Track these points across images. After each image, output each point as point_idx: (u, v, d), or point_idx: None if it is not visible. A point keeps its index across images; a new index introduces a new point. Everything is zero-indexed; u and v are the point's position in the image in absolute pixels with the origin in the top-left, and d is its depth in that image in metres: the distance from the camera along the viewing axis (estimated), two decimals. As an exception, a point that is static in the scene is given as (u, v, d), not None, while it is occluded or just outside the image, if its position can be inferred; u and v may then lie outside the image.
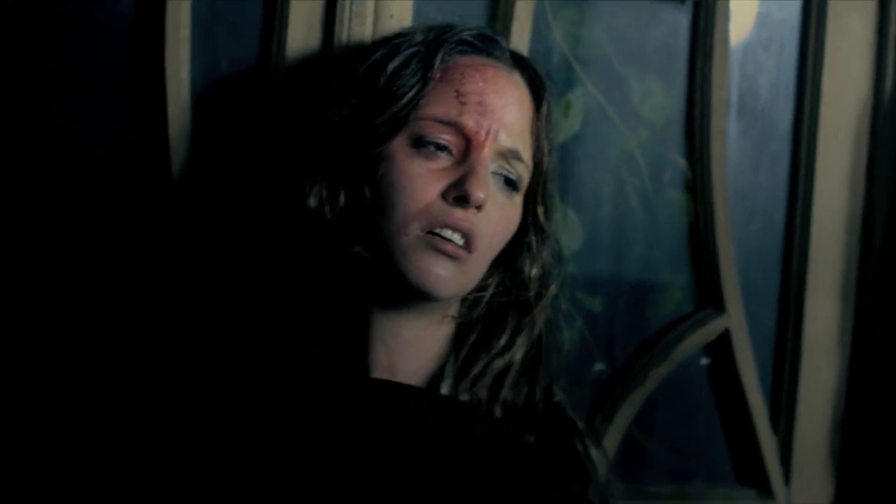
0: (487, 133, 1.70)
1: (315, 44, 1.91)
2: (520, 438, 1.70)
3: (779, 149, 2.32)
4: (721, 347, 2.28)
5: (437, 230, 1.67)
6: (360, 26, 1.91)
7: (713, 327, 2.27)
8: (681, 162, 2.24)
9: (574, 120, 2.16)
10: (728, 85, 2.26)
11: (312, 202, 1.71)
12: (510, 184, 1.74)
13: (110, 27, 1.86)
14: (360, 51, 1.83)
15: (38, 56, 1.83)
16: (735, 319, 2.27)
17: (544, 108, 1.78)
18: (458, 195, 1.67)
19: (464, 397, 1.77)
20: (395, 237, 1.67)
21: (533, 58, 1.92)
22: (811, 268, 2.32)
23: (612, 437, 2.19)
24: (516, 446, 1.53)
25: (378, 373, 1.70)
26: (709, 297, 2.27)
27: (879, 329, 2.41)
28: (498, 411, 1.79)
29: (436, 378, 1.77)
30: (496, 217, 1.72)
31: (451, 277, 1.68)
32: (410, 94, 1.71)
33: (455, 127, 1.70)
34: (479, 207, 1.68)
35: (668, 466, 2.28)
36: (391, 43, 1.77)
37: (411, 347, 1.73)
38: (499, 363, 1.79)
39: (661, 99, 2.23)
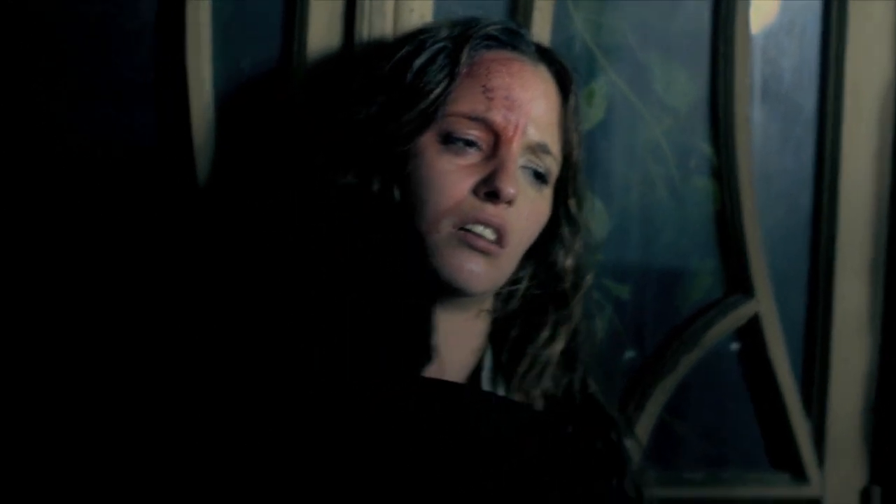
0: (516, 128, 1.70)
1: (336, 40, 1.91)
2: (564, 433, 1.70)
3: (803, 132, 2.32)
4: (751, 332, 2.28)
5: (469, 226, 1.67)
6: (380, 21, 1.90)
7: (743, 312, 2.27)
8: (706, 148, 2.24)
9: (598, 109, 2.16)
10: (751, 70, 2.25)
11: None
12: (539, 177, 1.74)
13: (132, 30, 1.87)
14: (384, 48, 1.83)
15: (61, 61, 1.83)
16: (764, 304, 2.27)
17: (571, 101, 1.78)
18: (489, 191, 1.67)
19: (517, 395, 1.78)
20: (426, 234, 1.67)
21: (554, 47, 1.91)
22: (839, 250, 2.31)
23: (645, 425, 2.19)
24: (561, 442, 1.53)
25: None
26: (737, 282, 2.27)
27: (910, 309, 2.40)
28: (541, 405, 1.80)
29: (475, 371, 1.78)
30: (526, 211, 1.72)
31: (483, 273, 1.69)
32: (438, 90, 1.71)
33: (483, 122, 1.70)
34: (509, 202, 1.68)
35: (701, 452, 2.28)
36: (416, 39, 1.77)
37: (448, 342, 1.72)
38: (544, 356, 1.80)
39: (684, 86, 2.22)
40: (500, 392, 1.80)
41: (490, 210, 1.68)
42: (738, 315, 2.26)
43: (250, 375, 1.52)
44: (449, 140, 1.70)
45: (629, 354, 2.22)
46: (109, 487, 1.70)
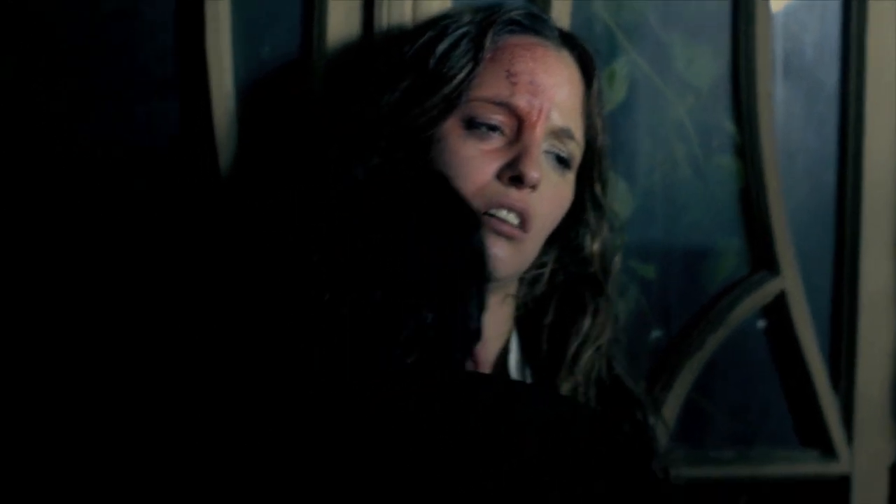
0: (539, 112, 1.70)
1: (356, 28, 1.91)
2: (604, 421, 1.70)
3: (826, 109, 2.30)
4: (777, 309, 2.27)
5: (493, 211, 1.68)
6: (400, 9, 1.90)
7: (768, 289, 2.26)
8: (729, 126, 2.23)
9: (619, 89, 2.15)
10: (773, 46, 2.24)
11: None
12: (562, 162, 1.74)
13: (152, 23, 1.88)
14: (405, 34, 1.84)
15: (83, 54, 1.84)
16: (790, 280, 2.26)
17: (595, 86, 1.79)
18: (513, 175, 1.68)
19: (566, 385, 1.79)
20: None
21: (575, 28, 1.92)
22: (864, 226, 2.30)
23: (672, 404, 2.19)
24: (605, 434, 1.51)
25: None
26: (763, 259, 2.26)
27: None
28: (582, 392, 1.81)
29: (501, 355, 1.78)
30: (549, 196, 1.72)
31: (507, 258, 1.69)
32: (461, 75, 1.71)
33: (507, 107, 1.70)
34: (533, 187, 1.68)
35: (729, 431, 2.28)
36: (438, 25, 1.77)
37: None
38: (591, 344, 1.81)
39: (706, 64, 2.21)
40: (528, 377, 1.80)
41: (514, 195, 1.68)
42: (764, 292, 2.26)
43: (257, 370, 1.52)
44: (472, 125, 1.70)
45: (655, 334, 2.22)
46: (112, 486, 1.71)
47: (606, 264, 1.84)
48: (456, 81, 1.71)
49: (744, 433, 2.29)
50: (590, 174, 1.80)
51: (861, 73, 2.31)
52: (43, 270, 1.82)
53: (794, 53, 2.28)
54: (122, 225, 1.85)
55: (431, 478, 1.33)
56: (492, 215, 1.67)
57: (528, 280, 1.82)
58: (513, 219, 1.68)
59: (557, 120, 1.71)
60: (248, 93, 1.89)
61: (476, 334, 1.55)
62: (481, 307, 1.56)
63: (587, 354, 1.81)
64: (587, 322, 1.82)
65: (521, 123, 1.70)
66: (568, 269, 1.83)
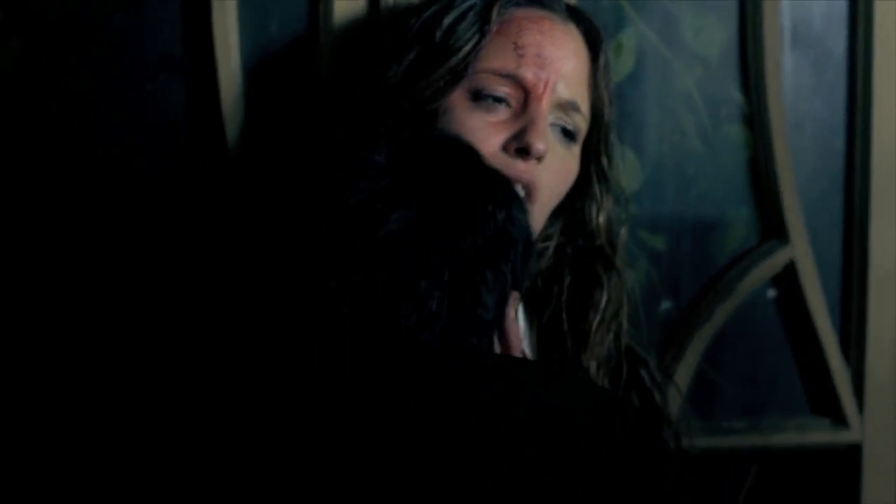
0: (546, 85, 1.70)
1: (362, 3, 1.91)
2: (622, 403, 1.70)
3: (834, 77, 2.29)
4: (787, 278, 2.27)
5: None
6: (405, -17, 1.91)
7: (778, 259, 2.26)
8: (737, 96, 2.23)
9: (627, 60, 2.15)
10: (780, 15, 2.23)
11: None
12: (568, 135, 1.75)
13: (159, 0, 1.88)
14: (412, 8, 1.83)
15: (89, 33, 1.84)
16: (800, 249, 2.26)
17: (601, 60, 1.80)
18: (519, 147, 1.68)
19: (591, 362, 1.79)
20: None
21: (581, 0, 1.91)
22: (873, 195, 2.29)
23: (683, 375, 2.19)
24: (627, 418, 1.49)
25: None
26: (772, 228, 2.26)
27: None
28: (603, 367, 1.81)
29: None
30: (555, 168, 1.73)
31: (512, 229, 1.69)
32: (468, 47, 1.72)
33: (513, 79, 1.70)
34: (539, 159, 1.69)
35: (740, 401, 2.28)
36: None
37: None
38: (610, 320, 1.82)
39: (714, 34, 2.21)
40: (532, 344, 1.81)
41: (520, 166, 1.68)
42: (774, 262, 2.25)
43: (257, 370, 1.52)
44: (479, 97, 1.71)
45: (665, 305, 2.22)
46: (112, 486, 1.72)
47: (612, 237, 1.85)
48: (462, 53, 1.71)
49: (754, 403, 2.29)
50: (596, 147, 1.80)
51: (869, 42, 2.30)
52: (46, 253, 1.83)
53: (802, 22, 2.27)
54: (128, 203, 1.85)
55: (431, 478, 1.34)
56: None
57: (534, 252, 1.82)
58: (518, 190, 1.68)
59: (564, 92, 1.72)
60: (255, 69, 1.90)
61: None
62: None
63: (610, 329, 1.82)
64: (604, 297, 1.82)
65: (527, 95, 1.70)
66: (575, 243, 1.84)
